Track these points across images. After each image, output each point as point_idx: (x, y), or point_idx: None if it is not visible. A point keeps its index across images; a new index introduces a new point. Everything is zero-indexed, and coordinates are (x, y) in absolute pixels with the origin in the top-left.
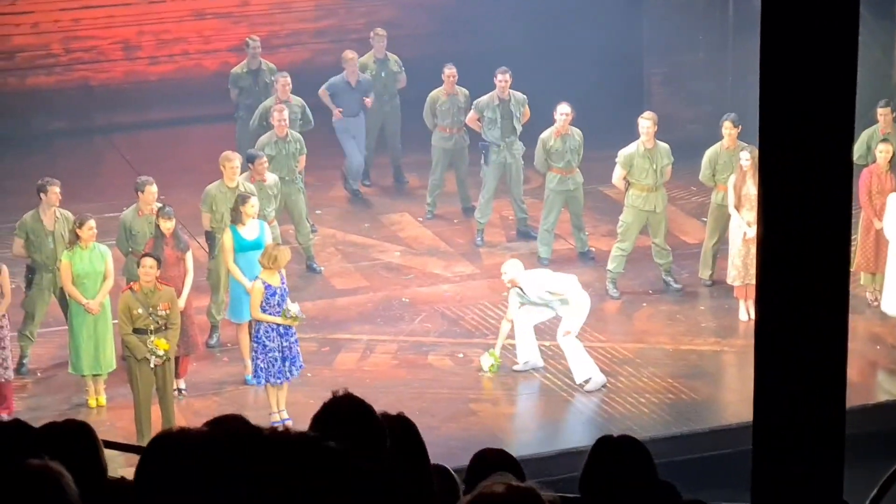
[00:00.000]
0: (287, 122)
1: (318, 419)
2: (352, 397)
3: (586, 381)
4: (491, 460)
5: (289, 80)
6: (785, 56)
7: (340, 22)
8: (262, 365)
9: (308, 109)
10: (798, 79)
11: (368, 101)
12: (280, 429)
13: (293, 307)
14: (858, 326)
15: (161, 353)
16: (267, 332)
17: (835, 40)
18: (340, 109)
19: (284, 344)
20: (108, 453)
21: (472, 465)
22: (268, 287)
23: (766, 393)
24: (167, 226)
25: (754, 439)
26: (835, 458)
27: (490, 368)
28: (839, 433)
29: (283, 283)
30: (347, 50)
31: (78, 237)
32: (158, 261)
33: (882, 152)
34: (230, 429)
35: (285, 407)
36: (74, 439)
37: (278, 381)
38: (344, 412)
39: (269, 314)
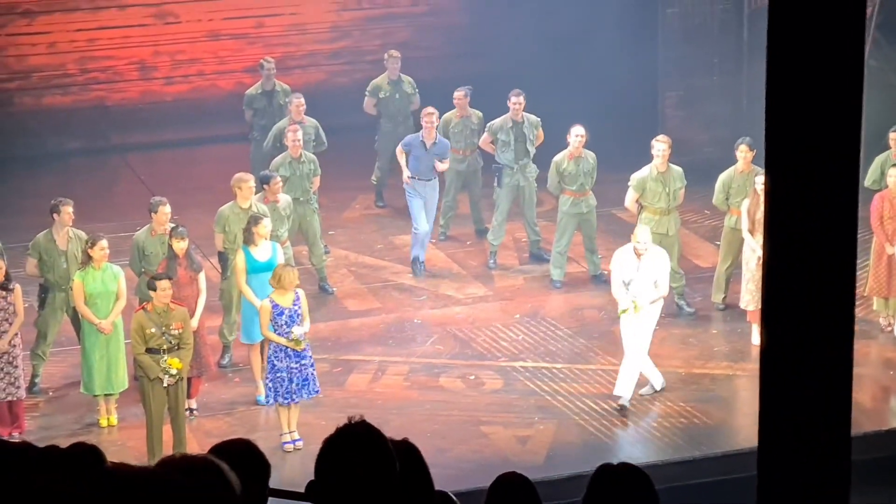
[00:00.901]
0: (301, 142)
1: (329, 442)
2: (365, 424)
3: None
4: (511, 486)
5: (303, 101)
6: (791, 79)
7: (356, 43)
8: (270, 385)
9: (322, 131)
10: (804, 102)
11: (443, 165)
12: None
13: (297, 330)
14: (871, 351)
15: (174, 372)
16: (276, 352)
17: (841, 63)
18: (410, 175)
19: (294, 366)
20: None
21: (494, 489)
22: (275, 306)
23: (771, 417)
24: (180, 246)
25: (759, 464)
26: (841, 483)
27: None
28: (845, 458)
29: (295, 305)
30: (429, 107)
31: (90, 257)
32: (170, 280)
33: (893, 177)
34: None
35: (296, 428)
36: (83, 462)
37: (286, 401)
38: (355, 438)
39: (278, 334)
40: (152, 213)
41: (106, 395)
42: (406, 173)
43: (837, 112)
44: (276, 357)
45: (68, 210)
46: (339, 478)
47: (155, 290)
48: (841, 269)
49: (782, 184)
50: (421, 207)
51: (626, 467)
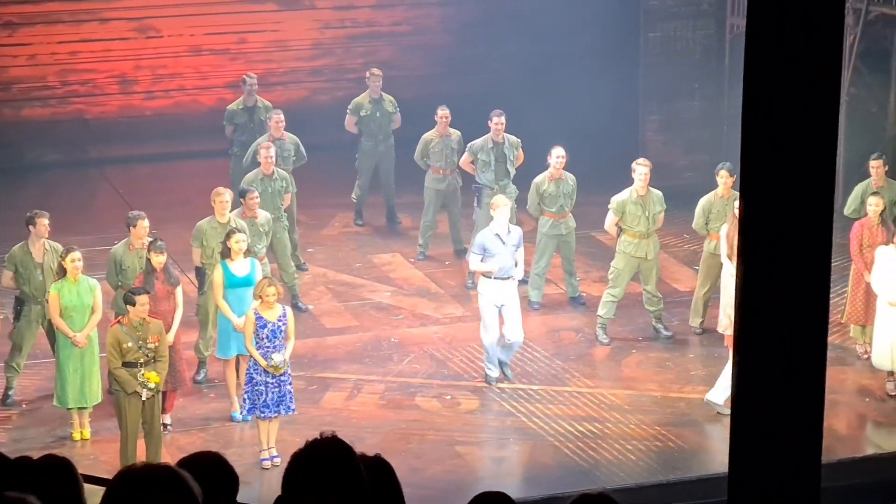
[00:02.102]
0: (273, 159)
1: (298, 457)
2: (335, 439)
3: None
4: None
5: (282, 117)
6: (767, 106)
7: (338, 61)
8: (248, 397)
9: (301, 146)
10: (780, 128)
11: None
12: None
13: (277, 357)
14: (848, 378)
15: (152, 385)
16: (255, 365)
17: (817, 90)
18: (489, 272)
19: (272, 381)
20: (90, 488)
21: None
22: (259, 318)
23: (742, 442)
24: (158, 260)
25: (729, 488)
26: None
27: None
28: (815, 483)
29: (280, 321)
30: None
31: (65, 269)
32: (148, 294)
33: (872, 205)
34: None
35: (275, 444)
36: (54, 475)
37: (263, 414)
38: (324, 453)
39: (259, 348)
40: (130, 227)
41: (79, 408)
42: (485, 268)
43: (813, 139)
44: (255, 370)
45: (44, 222)
46: (307, 492)
47: (134, 304)
48: (814, 295)
49: (756, 209)
50: (493, 311)
51: (604, 498)
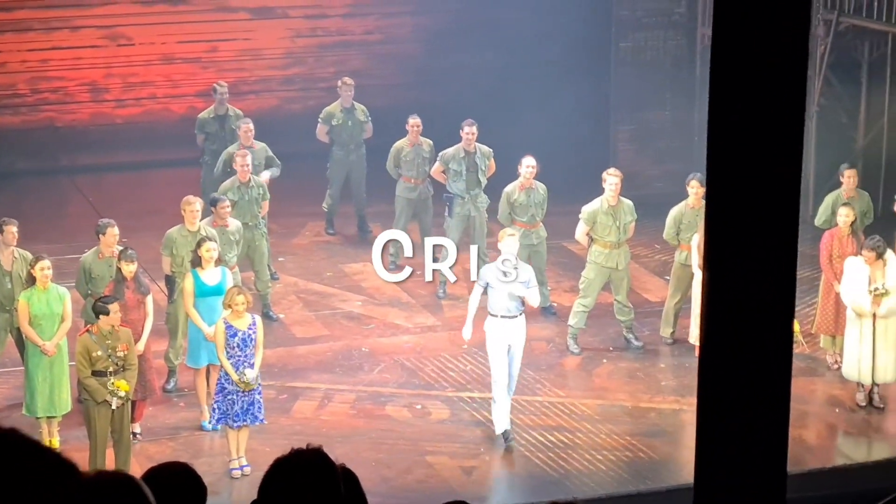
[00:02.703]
0: (250, 167)
1: (278, 464)
2: (319, 452)
3: None
4: None
5: (251, 126)
6: (732, 114)
7: (310, 70)
8: (218, 407)
9: (270, 153)
10: (745, 137)
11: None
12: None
13: (249, 374)
14: (818, 389)
15: (122, 394)
16: (227, 376)
17: (783, 100)
18: (493, 313)
19: (242, 391)
20: None
21: None
22: (229, 328)
23: (708, 452)
24: (129, 269)
25: (695, 498)
26: None
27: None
28: (781, 493)
29: (250, 329)
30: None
31: (35, 278)
32: (117, 300)
33: (843, 216)
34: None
35: (244, 453)
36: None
37: (236, 423)
38: (306, 463)
39: (230, 357)
40: (100, 235)
41: (49, 417)
42: (471, 306)
43: (779, 147)
44: (226, 380)
45: (12, 230)
46: (284, 500)
47: (107, 313)
48: (779, 305)
49: (722, 217)
50: (502, 352)
51: None
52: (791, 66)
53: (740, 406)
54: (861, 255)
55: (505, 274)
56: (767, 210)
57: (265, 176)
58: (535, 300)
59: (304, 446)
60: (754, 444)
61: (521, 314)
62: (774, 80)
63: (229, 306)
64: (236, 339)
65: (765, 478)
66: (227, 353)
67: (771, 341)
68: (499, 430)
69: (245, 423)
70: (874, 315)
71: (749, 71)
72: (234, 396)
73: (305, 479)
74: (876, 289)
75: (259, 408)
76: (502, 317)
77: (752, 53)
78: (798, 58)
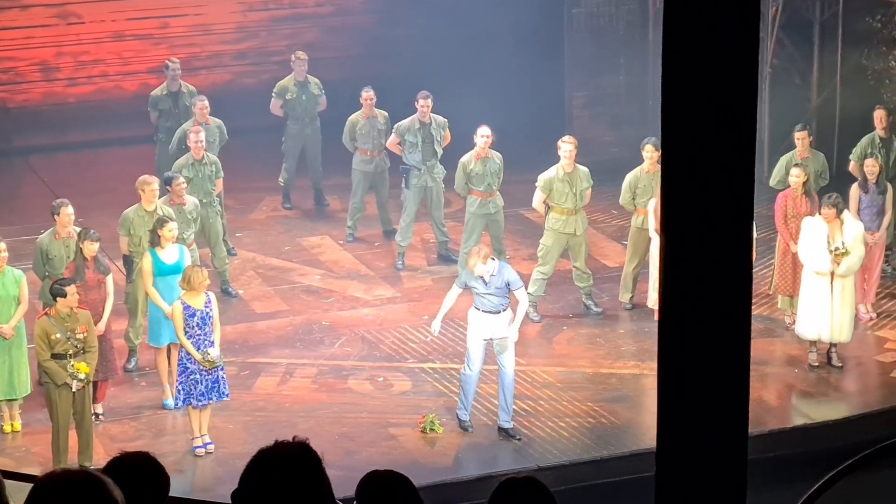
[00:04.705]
0: (204, 144)
1: (262, 455)
2: (304, 445)
3: None
4: (382, 483)
5: (206, 103)
6: (685, 76)
7: (262, 44)
8: (181, 388)
9: (224, 128)
10: (699, 98)
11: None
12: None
13: (213, 352)
14: (776, 349)
15: (83, 376)
16: (189, 355)
17: (736, 59)
18: (477, 307)
19: (204, 369)
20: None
21: (362, 488)
22: (187, 308)
23: (669, 415)
24: (91, 248)
25: (657, 462)
26: (737, 480)
27: None
28: (741, 455)
29: (207, 307)
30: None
31: None
32: (74, 282)
33: (795, 176)
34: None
35: (207, 431)
36: None
37: (200, 403)
38: (289, 455)
39: (189, 337)
40: (55, 216)
41: (9, 400)
42: (446, 304)
43: (732, 109)
44: (188, 359)
45: None
46: (267, 492)
47: (65, 296)
48: (737, 267)
49: (678, 181)
50: (480, 345)
51: (530, 481)
52: (743, 27)
53: (701, 369)
54: (819, 214)
55: (486, 283)
56: (723, 172)
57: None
58: (523, 303)
59: (290, 438)
60: (716, 407)
61: (504, 310)
62: (727, 42)
63: (189, 285)
64: (195, 318)
65: (726, 439)
66: (187, 332)
67: (729, 303)
68: (464, 417)
69: (210, 401)
70: (832, 274)
71: (701, 34)
72: (198, 376)
73: (288, 471)
74: (836, 248)
75: (223, 384)
76: (484, 311)
77: (705, 15)
78: (750, 18)
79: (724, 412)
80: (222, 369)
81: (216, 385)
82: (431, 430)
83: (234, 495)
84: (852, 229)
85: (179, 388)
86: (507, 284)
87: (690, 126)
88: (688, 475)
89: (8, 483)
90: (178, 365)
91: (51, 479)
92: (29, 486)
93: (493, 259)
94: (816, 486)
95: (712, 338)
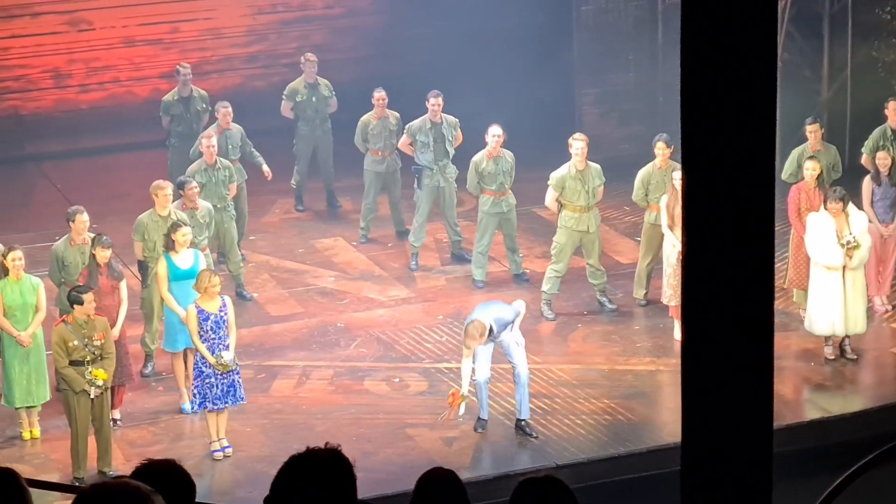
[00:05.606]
0: (216, 148)
1: (294, 460)
2: (336, 451)
3: None
4: (437, 482)
5: (230, 109)
6: (705, 72)
7: (272, 47)
8: (197, 391)
9: (245, 134)
10: (719, 94)
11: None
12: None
13: (227, 355)
14: (791, 343)
15: (100, 383)
16: (204, 359)
17: (755, 55)
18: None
19: (220, 373)
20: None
21: (419, 487)
22: (201, 312)
23: (695, 413)
24: (104, 255)
25: (683, 459)
26: (764, 477)
27: None
28: (768, 452)
29: (221, 311)
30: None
31: (6, 269)
32: (91, 289)
33: (809, 169)
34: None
35: (225, 435)
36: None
37: (216, 406)
38: (322, 461)
39: (204, 341)
40: (70, 223)
41: (28, 407)
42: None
43: (752, 104)
44: (203, 363)
45: None
46: (298, 497)
47: (81, 303)
48: (759, 262)
49: (699, 177)
50: (485, 356)
51: (550, 480)
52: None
53: (724, 364)
54: (826, 208)
55: (493, 338)
56: (744, 168)
57: (265, 169)
58: (521, 312)
59: (321, 445)
60: (741, 402)
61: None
62: (745, 39)
63: (203, 289)
64: (209, 322)
65: (751, 435)
66: (201, 336)
67: (752, 297)
68: (483, 416)
69: (226, 405)
70: (843, 267)
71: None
72: (213, 379)
73: (320, 478)
74: (848, 241)
75: (239, 388)
76: (494, 337)
77: (722, 15)
78: (768, 16)
79: (749, 407)
80: (238, 373)
81: (232, 389)
82: (460, 403)
83: (267, 501)
84: (859, 221)
85: (195, 391)
86: (506, 326)
87: (710, 125)
88: (713, 471)
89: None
90: (194, 369)
91: (95, 491)
92: (48, 493)
93: (490, 330)
94: (839, 481)
95: (736, 335)
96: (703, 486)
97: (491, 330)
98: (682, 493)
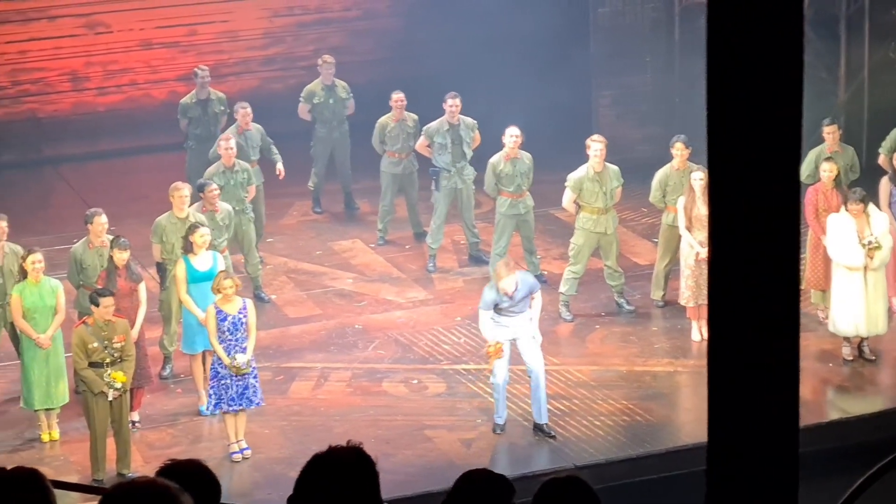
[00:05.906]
0: (234, 150)
1: (316, 459)
2: (358, 449)
3: None
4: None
5: (249, 109)
6: (731, 76)
7: (289, 49)
8: (214, 392)
9: (265, 134)
10: (745, 99)
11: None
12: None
13: (241, 358)
14: (810, 344)
15: (119, 385)
16: (220, 360)
17: (780, 58)
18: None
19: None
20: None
21: (459, 486)
22: (219, 312)
23: (720, 414)
24: (122, 257)
25: (708, 460)
26: (789, 477)
27: None
28: (793, 453)
29: (241, 313)
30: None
31: (26, 271)
32: (112, 294)
33: (826, 171)
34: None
35: (244, 437)
36: (23, 488)
37: (232, 407)
38: (344, 460)
39: (221, 342)
40: (88, 225)
41: (47, 409)
42: (488, 332)
43: (778, 106)
44: (219, 364)
45: (2, 224)
46: (321, 495)
47: (98, 305)
48: (785, 262)
49: (725, 178)
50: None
51: (573, 481)
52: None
53: (750, 366)
54: (846, 209)
55: (511, 297)
56: (769, 170)
57: (279, 167)
58: (538, 300)
59: (343, 443)
60: (767, 402)
61: (526, 309)
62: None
63: (218, 291)
64: (226, 323)
65: (777, 437)
66: (219, 337)
67: (778, 297)
68: (500, 420)
69: (241, 407)
70: (864, 268)
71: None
72: (229, 381)
73: (343, 477)
74: (870, 242)
75: (255, 391)
76: (505, 316)
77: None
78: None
79: (775, 407)
80: (255, 377)
81: (246, 392)
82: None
83: (291, 500)
84: (880, 221)
85: (211, 392)
86: (529, 290)
87: (736, 125)
88: (739, 471)
89: None
90: (210, 370)
91: (123, 489)
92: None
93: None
94: (859, 482)
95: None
96: (728, 486)
97: (516, 287)
98: (706, 494)
